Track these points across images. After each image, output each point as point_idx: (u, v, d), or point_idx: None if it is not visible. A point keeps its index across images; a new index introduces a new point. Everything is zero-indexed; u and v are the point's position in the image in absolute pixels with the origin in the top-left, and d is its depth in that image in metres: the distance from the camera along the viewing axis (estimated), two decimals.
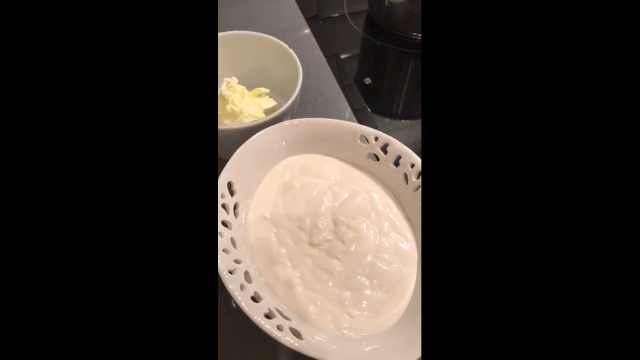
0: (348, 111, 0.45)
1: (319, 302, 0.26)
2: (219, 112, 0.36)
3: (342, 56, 0.53)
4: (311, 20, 0.56)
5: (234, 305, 0.22)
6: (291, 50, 0.37)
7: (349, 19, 0.58)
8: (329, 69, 0.49)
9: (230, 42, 0.39)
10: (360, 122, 0.43)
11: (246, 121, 0.35)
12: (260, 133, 0.30)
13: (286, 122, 0.32)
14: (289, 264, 0.27)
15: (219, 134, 0.33)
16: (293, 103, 0.34)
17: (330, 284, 0.26)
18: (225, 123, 0.35)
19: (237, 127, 0.33)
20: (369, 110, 0.45)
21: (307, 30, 0.55)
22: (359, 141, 0.32)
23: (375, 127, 0.40)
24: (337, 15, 0.60)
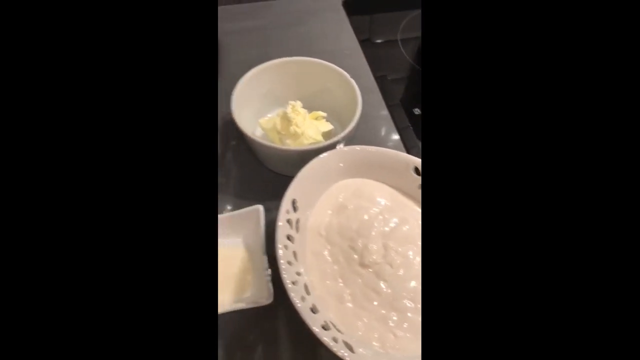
0: (394, 133, 0.47)
1: (366, 320, 0.28)
2: (283, 132, 0.39)
3: (390, 78, 0.55)
4: (364, 43, 0.59)
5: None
6: (352, 80, 0.40)
7: (400, 46, 0.61)
8: (377, 89, 0.51)
9: (296, 67, 0.43)
10: (405, 144, 0.45)
11: (306, 142, 0.38)
12: (322, 156, 0.33)
13: (346, 148, 0.35)
14: (340, 281, 0.30)
15: (282, 153, 0.36)
16: (351, 131, 0.37)
17: (376, 303, 0.29)
18: (287, 143, 0.39)
19: (298, 148, 0.36)
20: (414, 133, 0.47)
21: (359, 52, 0.57)
22: (411, 172, 0.34)
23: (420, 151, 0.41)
24: (388, 40, 0.62)
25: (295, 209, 0.31)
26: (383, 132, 0.47)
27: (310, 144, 0.38)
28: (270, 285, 0.30)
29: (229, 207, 0.39)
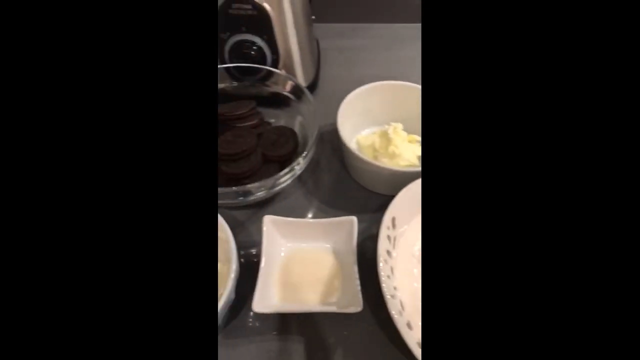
0: None
1: None
2: (380, 151, 0.41)
3: None
4: None
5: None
6: None
7: None
8: None
9: (396, 90, 0.45)
10: None
11: (402, 164, 0.40)
12: (419, 180, 0.34)
13: None
14: None
15: (381, 170, 0.38)
16: None
17: None
18: (383, 161, 0.40)
19: (395, 168, 0.38)
20: None
21: None
22: None
23: None
24: None
25: (394, 226, 0.32)
26: None
27: (406, 165, 0.40)
28: (360, 295, 0.32)
29: (309, 215, 0.41)
